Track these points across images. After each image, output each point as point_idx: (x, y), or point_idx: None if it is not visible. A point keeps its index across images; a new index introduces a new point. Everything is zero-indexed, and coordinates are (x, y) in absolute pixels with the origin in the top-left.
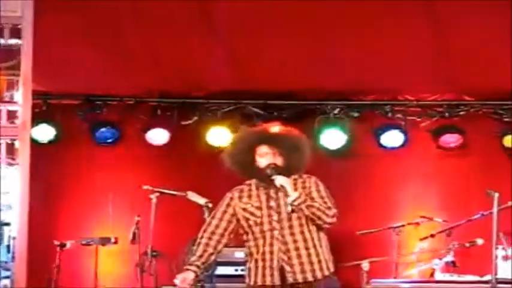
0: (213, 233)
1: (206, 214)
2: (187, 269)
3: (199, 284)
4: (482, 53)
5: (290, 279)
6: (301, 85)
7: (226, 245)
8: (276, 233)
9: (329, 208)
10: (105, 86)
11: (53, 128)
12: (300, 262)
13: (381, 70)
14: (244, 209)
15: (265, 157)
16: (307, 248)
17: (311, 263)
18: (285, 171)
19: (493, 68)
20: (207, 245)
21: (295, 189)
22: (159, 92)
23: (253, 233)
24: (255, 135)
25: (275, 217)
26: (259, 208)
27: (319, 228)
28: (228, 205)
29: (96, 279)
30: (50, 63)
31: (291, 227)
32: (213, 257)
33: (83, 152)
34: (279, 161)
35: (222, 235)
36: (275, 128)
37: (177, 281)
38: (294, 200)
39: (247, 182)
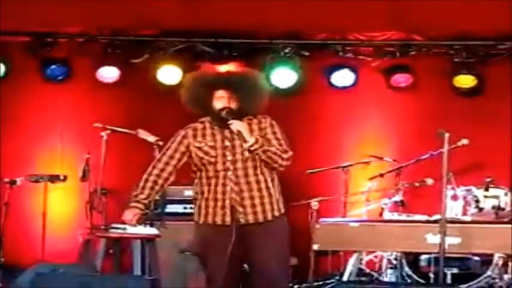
0: (162, 169)
1: (156, 152)
2: (135, 206)
3: (149, 222)
4: None
5: (241, 220)
6: (251, 23)
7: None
8: (229, 173)
9: (285, 151)
10: (55, 23)
11: (2, 64)
12: (252, 203)
13: (330, 8)
14: (198, 148)
15: (220, 100)
16: (259, 190)
17: (262, 204)
18: (240, 114)
19: (444, 8)
20: (155, 182)
21: (251, 131)
22: (110, 30)
23: (206, 171)
24: (214, 76)
25: (229, 157)
26: (214, 148)
27: (272, 169)
28: (180, 143)
29: (45, 216)
30: None
31: (245, 168)
32: (159, 193)
33: (32, 89)
34: (234, 105)
35: (171, 173)
36: (234, 69)
37: (125, 218)
38: (251, 146)
39: (201, 119)
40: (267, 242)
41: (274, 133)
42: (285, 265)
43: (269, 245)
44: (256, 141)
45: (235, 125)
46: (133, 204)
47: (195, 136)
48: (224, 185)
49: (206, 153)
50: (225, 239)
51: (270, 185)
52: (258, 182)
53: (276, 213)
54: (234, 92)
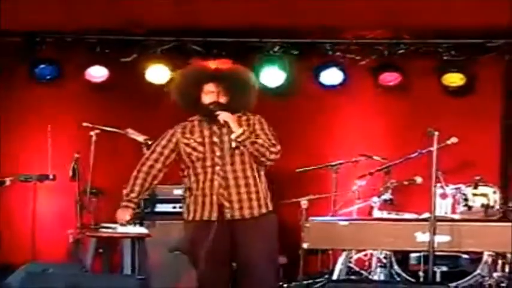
0: (151, 166)
1: (145, 151)
2: (127, 206)
3: (138, 221)
4: None
5: (228, 216)
6: (240, 23)
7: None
8: (217, 168)
9: (273, 145)
10: (43, 22)
11: None
12: (239, 199)
13: (319, 8)
14: (186, 144)
15: (209, 95)
16: (247, 185)
17: (250, 200)
18: (229, 109)
19: (432, 6)
20: (144, 179)
21: (240, 126)
22: (99, 29)
23: (194, 168)
24: (203, 71)
25: (218, 153)
26: (202, 144)
27: (260, 165)
28: (169, 140)
29: (34, 215)
30: None
31: (233, 163)
32: (148, 191)
33: (21, 89)
34: (223, 99)
35: (160, 170)
36: (224, 65)
37: (118, 218)
38: (238, 136)
39: (190, 118)
40: (254, 239)
41: (262, 128)
42: (272, 262)
43: (256, 241)
44: (243, 132)
45: (223, 115)
46: (125, 203)
47: (183, 133)
48: (212, 180)
49: (194, 149)
50: (213, 235)
51: (257, 181)
52: (245, 177)
53: (263, 210)
54: (223, 87)
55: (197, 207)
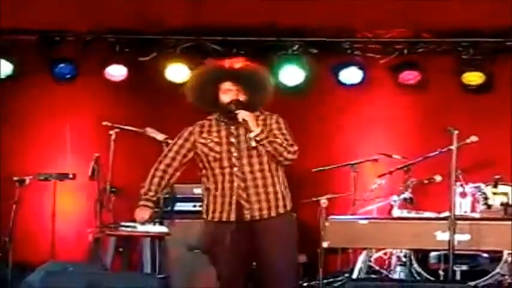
0: (168, 165)
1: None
2: (145, 205)
3: (158, 220)
4: None
5: (247, 216)
6: (259, 21)
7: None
8: (235, 169)
9: (291, 145)
10: (62, 21)
11: (10, 64)
12: (258, 200)
13: (337, 6)
14: (203, 144)
15: (228, 94)
16: (265, 186)
17: (268, 201)
18: (248, 107)
19: (451, 5)
20: (161, 178)
21: (257, 125)
22: (118, 28)
23: (212, 169)
24: (219, 70)
25: (235, 153)
26: (219, 144)
27: (278, 165)
28: (186, 139)
29: (54, 214)
30: None
31: (250, 164)
32: (165, 190)
33: (41, 88)
34: (242, 97)
35: (177, 169)
36: (239, 63)
37: (137, 217)
38: (257, 135)
39: (209, 117)
40: (273, 239)
41: (279, 128)
42: (292, 262)
43: (275, 242)
44: (262, 132)
45: (241, 114)
46: (143, 202)
47: (201, 132)
48: (231, 181)
49: (211, 149)
50: (233, 235)
51: (276, 180)
52: (263, 178)
53: (281, 210)
54: (241, 84)
55: (216, 207)
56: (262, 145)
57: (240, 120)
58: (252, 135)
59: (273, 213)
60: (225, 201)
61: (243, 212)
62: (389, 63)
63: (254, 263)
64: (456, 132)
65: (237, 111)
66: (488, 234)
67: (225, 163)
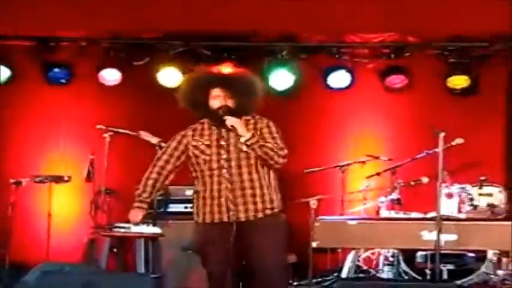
0: (162, 167)
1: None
2: (140, 206)
3: (151, 221)
4: None
5: (233, 218)
6: (249, 27)
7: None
8: (224, 171)
9: (281, 149)
10: (57, 26)
11: (6, 68)
12: (244, 201)
13: (326, 11)
14: (195, 147)
15: (217, 99)
16: (252, 188)
17: (255, 203)
18: (237, 113)
19: (438, 9)
20: (156, 180)
21: (247, 130)
22: (112, 33)
23: (202, 171)
24: (209, 77)
25: (224, 156)
26: (209, 146)
27: (269, 168)
28: (180, 142)
29: (50, 216)
30: (2, 4)
31: (239, 166)
32: (159, 192)
33: (36, 92)
34: (230, 103)
35: (171, 171)
36: (229, 69)
37: (131, 218)
38: (247, 140)
39: (201, 121)
40: (261, 240)
41: (270, 132)
42: (280, 262)
43: (263, 242)
44: (253, 136)
45: (230, 120)
46: (137, 204)
47: (193, 136)
48: (219, 183)
49: (202, 151)
50: (223, 236)
51: (263, 183)
52: (251, 180)
53: (268, 212)
54: (230, 90)
55: (206, 209)
56: (253, 149)
57: (228, 126)
58: (242, 140)
59: (260, 215)
60: (213, 202)
61: (230, 213)
62: (377, 67)
63: (244, 263)
64: (442, 134)
65: (225, 118)
66: (475, 234)
67: (214, 165)
